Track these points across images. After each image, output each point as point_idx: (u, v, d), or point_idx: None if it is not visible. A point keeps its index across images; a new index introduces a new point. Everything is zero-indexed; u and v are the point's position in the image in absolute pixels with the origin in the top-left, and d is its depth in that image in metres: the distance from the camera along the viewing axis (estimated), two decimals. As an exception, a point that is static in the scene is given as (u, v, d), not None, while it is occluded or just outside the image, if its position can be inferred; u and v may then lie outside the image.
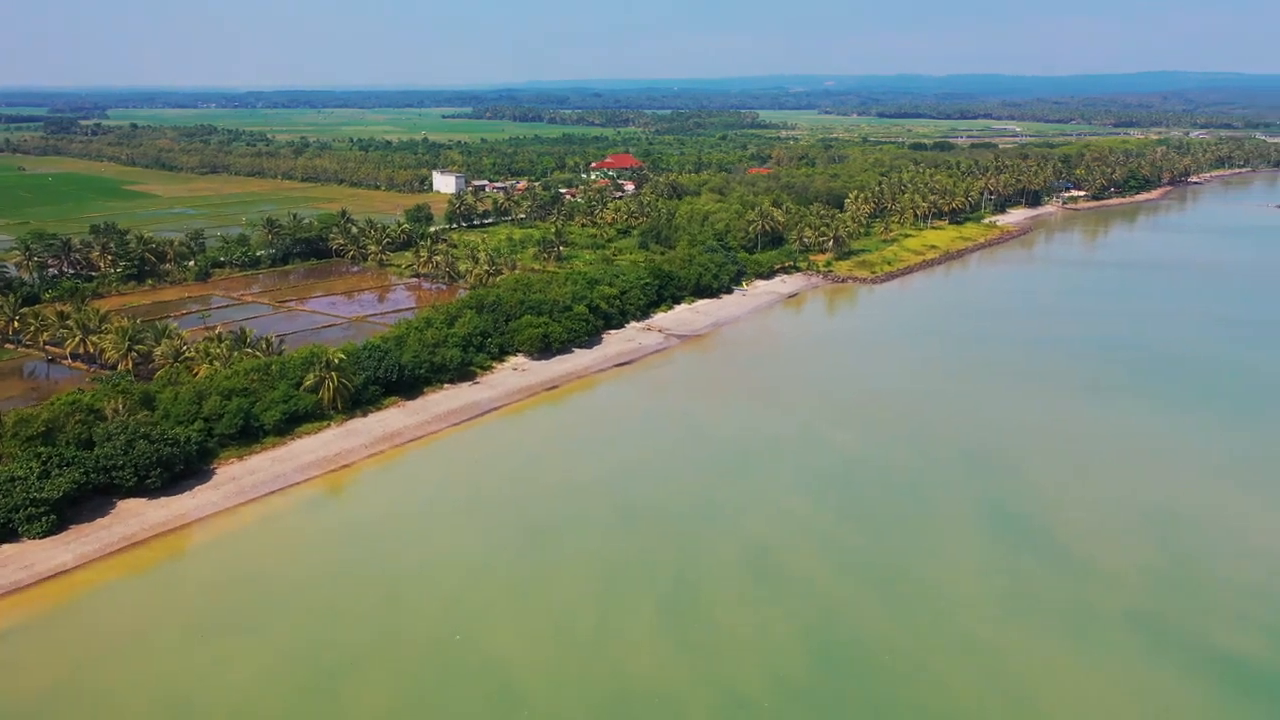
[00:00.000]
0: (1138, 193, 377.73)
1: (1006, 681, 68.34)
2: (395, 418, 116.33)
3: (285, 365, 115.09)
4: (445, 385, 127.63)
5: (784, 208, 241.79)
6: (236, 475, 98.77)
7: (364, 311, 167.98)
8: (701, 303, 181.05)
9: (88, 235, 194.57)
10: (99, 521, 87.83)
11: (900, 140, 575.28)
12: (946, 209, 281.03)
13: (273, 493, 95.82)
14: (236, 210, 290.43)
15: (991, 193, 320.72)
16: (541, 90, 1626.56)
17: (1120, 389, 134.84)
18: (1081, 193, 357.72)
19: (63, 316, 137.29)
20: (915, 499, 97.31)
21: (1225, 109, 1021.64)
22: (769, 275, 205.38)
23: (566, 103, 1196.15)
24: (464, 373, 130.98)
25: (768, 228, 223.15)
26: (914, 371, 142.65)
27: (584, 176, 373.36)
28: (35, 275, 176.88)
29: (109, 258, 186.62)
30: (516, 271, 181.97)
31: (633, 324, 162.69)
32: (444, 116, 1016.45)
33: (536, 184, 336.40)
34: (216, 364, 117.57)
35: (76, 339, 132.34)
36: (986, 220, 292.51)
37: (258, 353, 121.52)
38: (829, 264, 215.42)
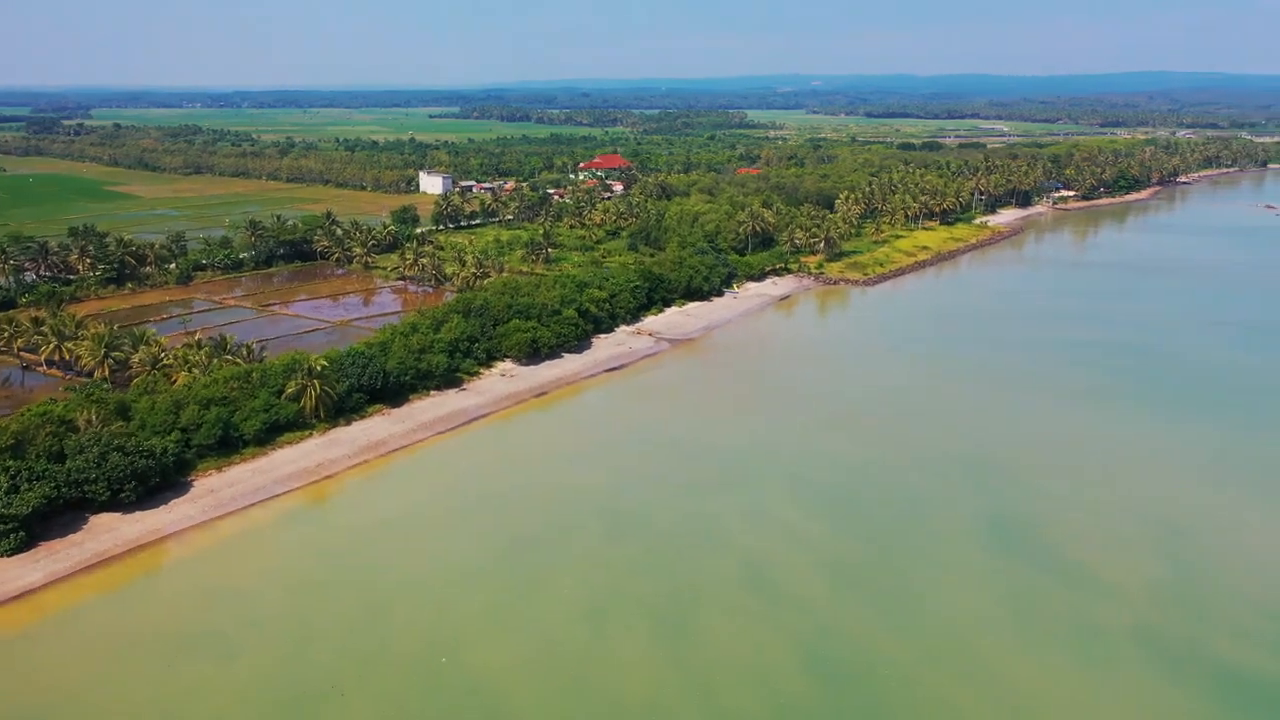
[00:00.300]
0: (1127, 193, 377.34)
1: (1011, 700, 66.09)
2: (380, 426, 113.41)
3: (266, 373, 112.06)
4: (431, 392, 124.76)
5: (774, 208, 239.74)
6: (215, 487, 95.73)
7: (349, 315, 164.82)
8: (692, 305, 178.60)
9: (66, 238, 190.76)
10: (70, 538, 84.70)
11: (889, 140, 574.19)
12: (937, 209, 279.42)
13: (252, 505, 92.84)
14: (220, 211, 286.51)
15: (982, 193, 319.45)
16: (529, 90, 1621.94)
17: (1117, 393, 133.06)
18: (1071, 193, 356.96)
19: (37, 322, 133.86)
20: (913, 509, 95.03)
21: (1211, 109, 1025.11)
22: (760, 277, 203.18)
23: (554, 102, 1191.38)
24: (450, 379, 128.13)
25: (758, 229, 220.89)
26: (909, 376, 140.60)
27: (572, 177, 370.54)
28: (11, 279, 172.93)
29: (88, 261, 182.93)
30: (504, 274, 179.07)
31: (623, 328, 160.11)
32: (431, 116, 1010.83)
33: (524, 184, 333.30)
34: (195, 371, 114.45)
35: (52, 345, 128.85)
36: (978, 221, 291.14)
37: (238, 360, 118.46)
38: (820, 266, 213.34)
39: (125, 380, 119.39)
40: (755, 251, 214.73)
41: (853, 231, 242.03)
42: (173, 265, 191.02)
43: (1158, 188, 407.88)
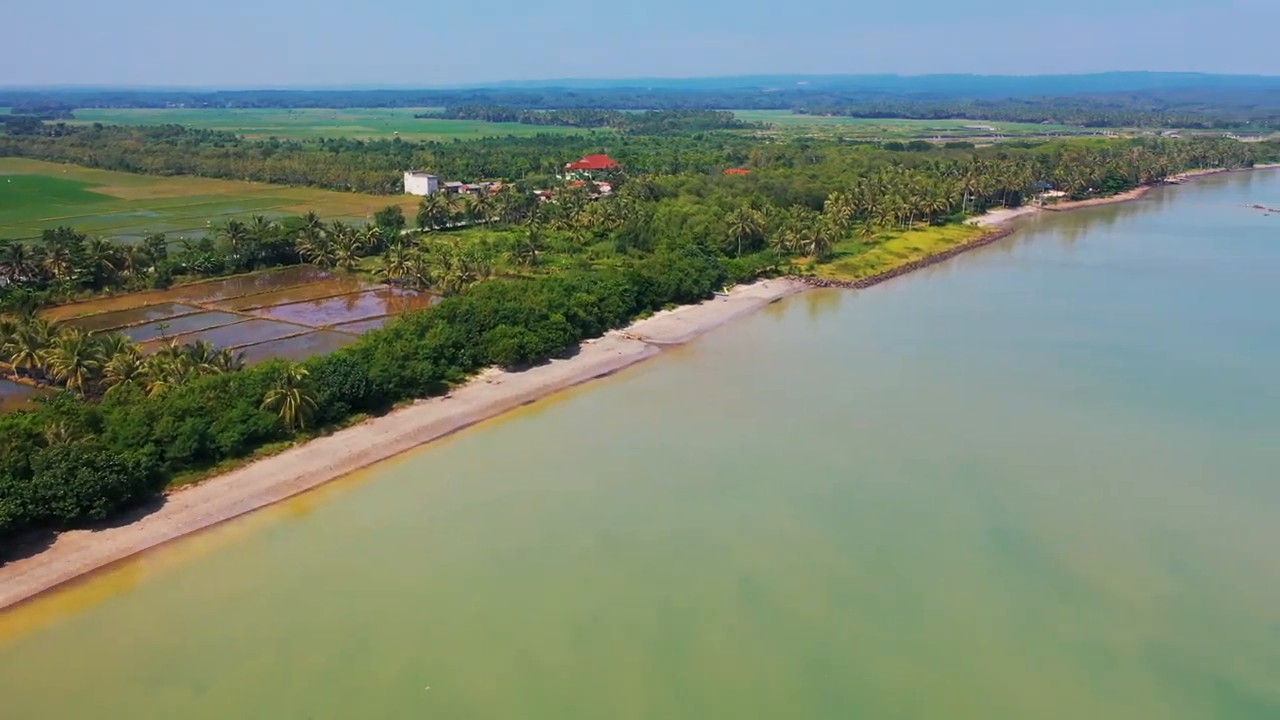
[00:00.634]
0: (1116, 193, 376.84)
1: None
2: (362, 436, 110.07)
3: (244, 382, 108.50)
4: (416, 400, 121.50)
5: (764, 210, 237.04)
6: (190, 502, 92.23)
7: (332, 320, 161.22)
8: (682, 309, 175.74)
9: (40, 241, 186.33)
10: (36, 557, 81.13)
11: (876, 140, 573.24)
12: (928, 210, 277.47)
13: (229, 521, 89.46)
14: (201, 213, 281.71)
15: (972, 193, 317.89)
16: (515, 90, 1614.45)
17: (1107, 394, 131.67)
18: (1060, 193, 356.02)
19: (8, 329, 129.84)
20: (911, 520, 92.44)
21: (1195, 109, 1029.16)
22: (750, 280, 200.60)
23: (541, 102, 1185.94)
24: (435, 386, 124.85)
25: (748, 230, 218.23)
26: (900, 378, 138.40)
27: (559, 177, 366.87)
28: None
29: (63, 265, 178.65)
30: (490, 277, 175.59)
31: (612, 332, 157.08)
32: (416, 116, 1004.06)
33: (511, 185, 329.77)
34: (171, 380, 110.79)
35: (23, 353, 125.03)
36: (968, 222, 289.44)
37: (215, 368, 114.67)
38: (811, 268, 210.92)
39: (99, 389, 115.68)
40: (745, 253, 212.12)
41: (843, 233, 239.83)
42: (151, 269, 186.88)
43: (1146, 188, 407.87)
